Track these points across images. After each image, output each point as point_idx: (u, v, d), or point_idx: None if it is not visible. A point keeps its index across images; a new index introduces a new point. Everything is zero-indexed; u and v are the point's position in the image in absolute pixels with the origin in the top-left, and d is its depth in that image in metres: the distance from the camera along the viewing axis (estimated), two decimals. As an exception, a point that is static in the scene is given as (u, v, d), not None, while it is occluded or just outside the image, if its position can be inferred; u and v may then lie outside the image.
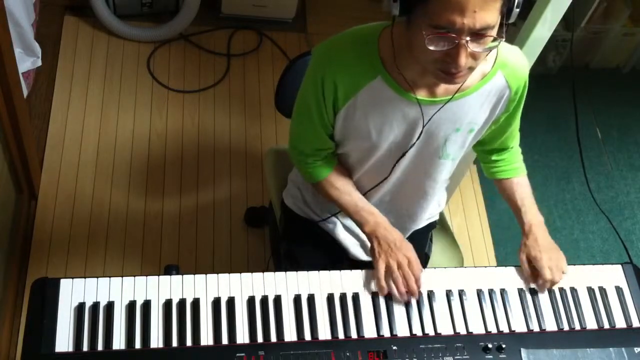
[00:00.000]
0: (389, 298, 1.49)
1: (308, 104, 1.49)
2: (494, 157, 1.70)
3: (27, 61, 2.63)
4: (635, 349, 1.49)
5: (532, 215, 1.64)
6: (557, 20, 1.83)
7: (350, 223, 1.77)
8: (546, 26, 1.83)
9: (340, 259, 1.79)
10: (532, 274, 1.57)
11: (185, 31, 3.04)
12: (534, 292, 1.55)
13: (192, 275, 1.46)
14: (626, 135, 3.25)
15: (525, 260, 1.58)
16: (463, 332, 1.47)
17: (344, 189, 1.61)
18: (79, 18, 3.02)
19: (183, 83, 2.94)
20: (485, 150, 1.70)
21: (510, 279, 1.57)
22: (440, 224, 1.98)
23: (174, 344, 1.37)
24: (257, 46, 3.12)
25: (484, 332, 1.48)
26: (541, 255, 1.56)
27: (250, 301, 1.44)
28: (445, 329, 1.47)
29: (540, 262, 1.55)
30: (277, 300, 1.46)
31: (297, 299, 1.46)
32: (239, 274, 1.48)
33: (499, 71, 1.45)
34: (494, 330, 1.48)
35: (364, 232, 1.59)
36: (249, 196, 2.66)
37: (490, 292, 1.54)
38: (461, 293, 1.52)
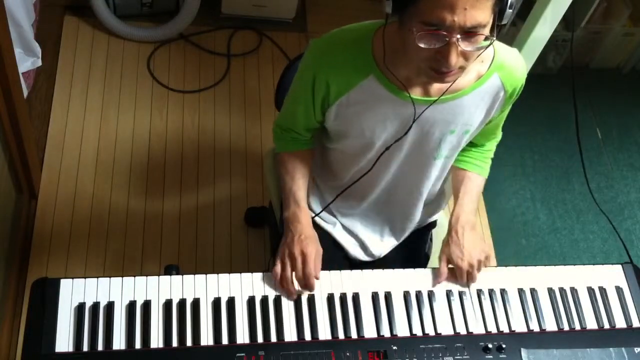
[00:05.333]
0: (389, 298, 1.49)
1: (297, 94, 1.53)
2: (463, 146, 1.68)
3: (27, 61, 2.63)
4: (635, 349, 1.49)
5: (463, 212, 1.61)
6: (557, 20, 1.83)
7: (349, 224, 1.77)
8: (546, 26, 1.84)
9: (340, 259, 1.79)
10: (450, 274, 1.55)
11: (185, 31, 3.04)
12: (534, 292, 1.55)
13: (192, 275, 1.46)
14: (626, 135, 3.24)
15: (445, 261, 1.56)
16: (463, 332, 1.47)
17: (291, 172, 1.63)
18: (79, 18, 3.02)
19: (183, 83, 2.94)
20: None
21: (510, 279, 1.57)
22: (440, 224, 1.97)
23: (174, 344, 1.37)
24: (257, 46, 3.12)
25: (484, 332, 1.48)
26: (462, 262, 1.53)
27: (250, 301, 1.45)
28: (446, 329, 1.47)
29: (458, 267, 1.53)
30: (277, 300, 1.46)
31: (297, 299, 1.46)
32: (239, 274, 1.48)
33: (495, 73, 1.45)
34: (494, 330, 1.48)
35: (282, 215, 1.60)
36: (249, 196, 2.66)
37: (490, 292, 1.54)
38: (461, 293, 1.52)
